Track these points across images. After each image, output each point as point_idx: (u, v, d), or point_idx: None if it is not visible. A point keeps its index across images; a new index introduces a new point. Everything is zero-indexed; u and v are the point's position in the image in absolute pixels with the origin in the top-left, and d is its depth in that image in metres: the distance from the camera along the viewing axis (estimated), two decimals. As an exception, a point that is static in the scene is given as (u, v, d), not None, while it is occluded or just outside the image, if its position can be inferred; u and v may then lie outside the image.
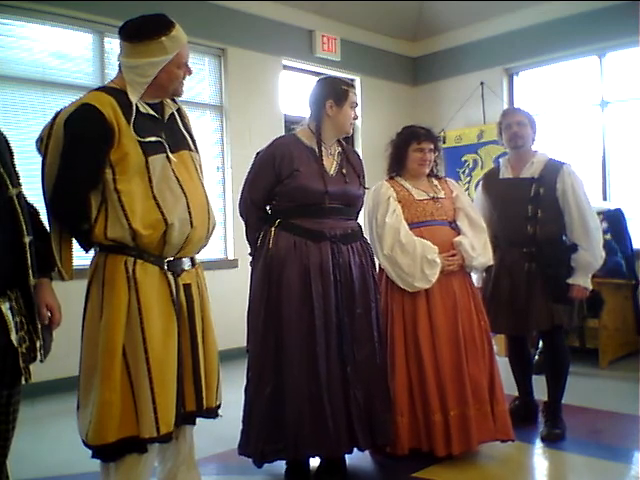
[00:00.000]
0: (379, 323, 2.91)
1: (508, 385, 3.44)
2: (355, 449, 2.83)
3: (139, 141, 2.08)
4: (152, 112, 2.17)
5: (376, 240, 3.10)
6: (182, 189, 2.13)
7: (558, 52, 6.41)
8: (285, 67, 6.42)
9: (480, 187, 3.66)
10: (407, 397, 3.02)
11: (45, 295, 2.03)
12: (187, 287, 2.18)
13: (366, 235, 3.06)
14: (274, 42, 6.11)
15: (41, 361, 1.99)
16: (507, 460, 3.14)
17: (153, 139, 2.12)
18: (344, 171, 2.88)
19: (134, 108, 2.11)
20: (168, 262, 2.15)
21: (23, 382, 1.95)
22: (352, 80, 6.87)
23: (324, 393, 2.69)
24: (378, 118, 7.04)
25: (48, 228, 2.15)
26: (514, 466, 3.10)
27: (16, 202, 1.86)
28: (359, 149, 6.74)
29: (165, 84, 2.17)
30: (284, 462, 2.92)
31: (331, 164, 2.88)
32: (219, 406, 2.38)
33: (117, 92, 2.12)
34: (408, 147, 3.19)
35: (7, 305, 1.84)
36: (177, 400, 2.12)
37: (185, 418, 2.22)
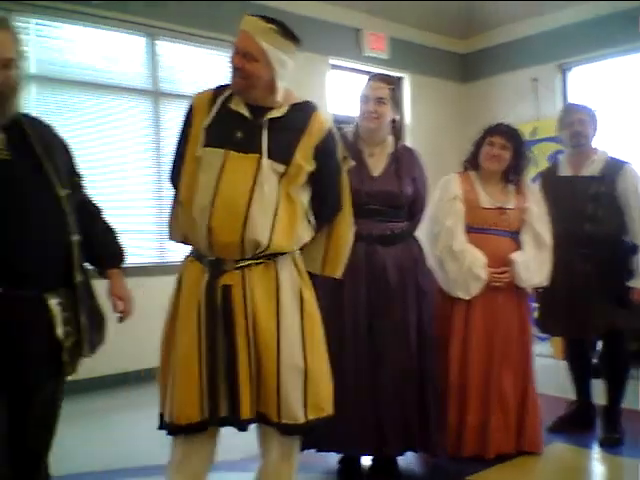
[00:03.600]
0: (423, 327, 2.85)
1: (564, 388, 3.36)
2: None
3: (206, 131, 2.12)
4: (243, 111, 2.14)
5: (432, 237, 3.06)
6: (216, 189, 2.07)
7: (612, 47, 6.22)
8: (333, 66, 6.43)
9: (538, 185, 3.58)
10: (456, 400, 3.01)
11: (116, 286, 2.14)
12: (226, 288, 2.10)
13: (422, 231, 3.02)
14: (321, 42, 6.11)
15: (85, 356, 2.04)
16: (564, 465, 3.07)
17: (219, 133, 2.12)
18: (391, 171, 2.84)
19: (217, 102, 2.15)
20: (209, 261, 2.12)
21: (68, 377, 2.02)
22: (399, 78, 6.85)
23: (349, 395, 2.66)
24: (427, 116, 6.97)
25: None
26: (571, 471, 3.03)
27: (65, 203, 1.94)
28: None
29: None
30: (337, 462, 2.92)
31: (377, 164, 2.84)
32: (291, 426, 2.10)
33: (225, 90, 2.18)
34: (483, 140, 3.12)
35: (56, 300, 1.91)
36: (210, 400, 2.06)
37: (244, 422, 2.11)
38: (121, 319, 2.17)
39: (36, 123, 2.04)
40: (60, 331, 1.91)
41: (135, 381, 4.68)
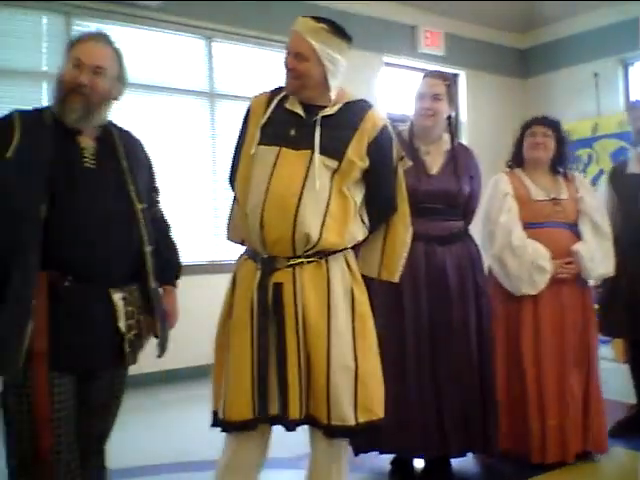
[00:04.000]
0: (482, 328, 2.81)
1: (625, 392, 3.26)
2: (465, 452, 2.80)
3: (262, 130, 2.15)
4: (297, 110, 2.16)
5: (487, 237, 2.99)
6: (268, 186, 2.09)
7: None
8: (387, 64, 6.39)
9: (606, 182, 3.48)
10: (505, 399, 2.92)
11: (169, 302, 2.26)
12: (278, 286, 2.10)
13: (477, 231, 2.98)
14: (375, 39, 6.08)
15: (158, 356, 2.16)
16: (624, 469, 2.99)
17: (273, 132, 2.14)
18: (449, 170, 2.80)
19: (273, 103, 2.19)
20: (262, 259, 2.13)
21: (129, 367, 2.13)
22: (455, 75, 6.77)
23: (411, 396, 2.64)
24: (484, 113, 6.86)
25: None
26: (631, 476, 2.92)
27: (140, 215, 2.07)
28: (464, 146, 6.59)
29: None
30: (389, 462, 2.91)
31: (434, 162, 2.81)
32: (340, 428, 2.07)
33: (281, 91, 2.21)
34: (523, 136, 3.08)
35: (120, 295, 2.03)
36: (261, 399, 2.07)
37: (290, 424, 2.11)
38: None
39: (127, 137, 2.18)
40: (122, 323, 2.02)
41: (186, 378, 4.76)
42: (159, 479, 2.98)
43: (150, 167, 2.26)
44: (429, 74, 2.89)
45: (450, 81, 2.86)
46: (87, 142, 2.04)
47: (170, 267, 2.29)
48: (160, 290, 2.21)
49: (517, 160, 3.13)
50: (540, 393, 2.88)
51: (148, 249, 2.08)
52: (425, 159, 2.80)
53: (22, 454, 1.95)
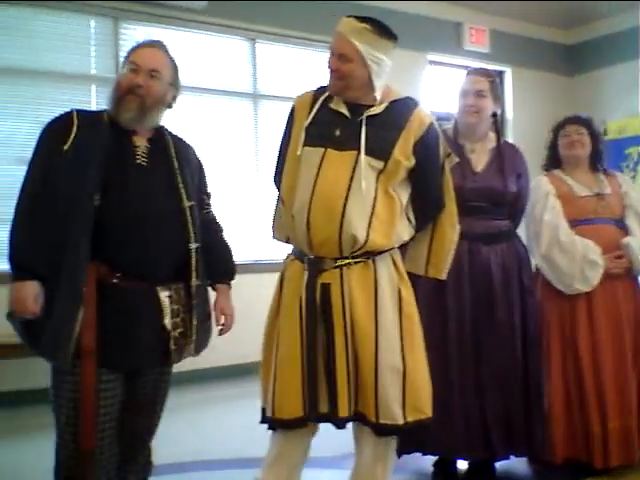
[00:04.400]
0: (527, 328, 2.76)
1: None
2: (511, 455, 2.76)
3: (307, 131, 2.15)
4: (342, 110, 2.15)
5: (533, 238, 2.93)
6: (314, 187, 2.08)
7: None
8: (431, 62, 6.34)
9: None
10: (563, 405, 2.85)
11: (222, 301, 2.30)
12: (325, 287, 2.10)
13: (523, 233, 2.92)
14: (419, 38, 6.03)
15: (192, 355, 2.18)
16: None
17: (318, 132, 2.14)
18: (494, 168, 2.75)
19: (318, 103, 2.19)
20: (309, 260, 2.13)
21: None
22: (500, 72, 6.67)
23: (454, 397, 2.61)
24: (531, 111, 6.74)
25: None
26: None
27: (188, 213, 2.12)
28: (509, 144, 6.49)
29: None
30: (431, 464, 2.89)
31: (479, 160, 2.77)
32: (389, 426, 2.08)
33: (325, 90, 2.21)
34: (557, 137, 3.03)
35: (166, 293, 2.08)
36: (310, 397, 2.08)
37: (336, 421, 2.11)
38: (221, 332, 2.30)
39: (179, 141, 2.26)
40: (167, 321, 2.06)
41: (229, 376, 4.80)
42: (202, 475, 3.02)
43: (201, 172, 2.32)
44: (472, 71, 2.86)
45: (494, 78, 2.82)
46: (141, 141, 2.11)
47: (223, 266, 2.33)
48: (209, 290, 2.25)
49: (553, 162, 3.08)
50: (600, 394, 2.80)
51: (194, 246, 2.11)
52: (470, 157, 2.77)
53: (65, 449, 2.01)
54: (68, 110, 2.10)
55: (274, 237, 2.38)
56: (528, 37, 6.90)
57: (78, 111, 2.10)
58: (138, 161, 2.08)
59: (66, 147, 1.99)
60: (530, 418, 2.72)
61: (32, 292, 1.92)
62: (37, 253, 1.94)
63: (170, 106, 2.19)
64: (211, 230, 2.30)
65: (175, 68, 2.19)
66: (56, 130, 2.05)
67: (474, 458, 2.78)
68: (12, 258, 1.96)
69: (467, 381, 2.66)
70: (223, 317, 2.28)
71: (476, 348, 2.68)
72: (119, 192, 2.01)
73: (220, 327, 2.29)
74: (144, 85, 2.05)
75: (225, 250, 2.36)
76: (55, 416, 2.04)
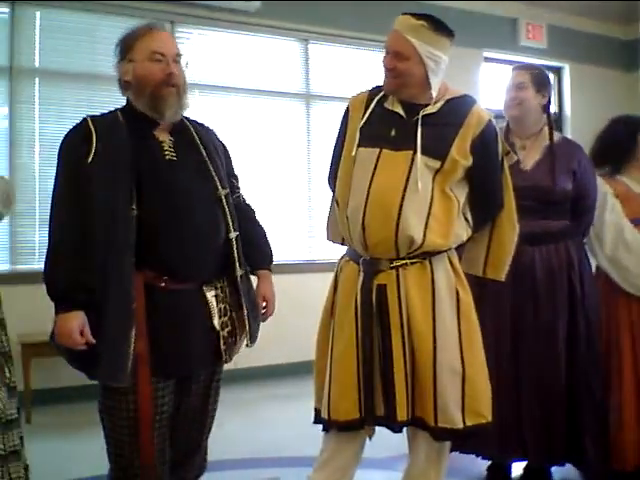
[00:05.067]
0: (578, 334, 2.66)
1: None
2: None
3: (361, 131, 2.13)
4: (397, 110, 2.14)
5: (594, 240, 2.83)
6: (369, 188, 2.06)
7: None
8: (486, 59, 6.25)
9: None
10: (636, 410, 2.74)
11: (263, 286, 2.24)
12: (381, 288, 2.08)
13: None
14: (474, 34, 5.93)
15: (247, 346, 2.16)
16: None
17: (373, 132, 2.12)
18: (545, 165, 2.68)
19: (372, 103, 2.17)
20: (364, 261, 2.11)
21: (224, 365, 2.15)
22: (559, 68, 6.52)
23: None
24: (589, 108, 6.54)
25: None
26: None
27: (224, 202, 2.06)
28: (567, 141, 6.34)
29: None
30: (485, 468, 2.86)
31: (528, 157, 2.71)
32: (448, 430, 2.04)
33: (380, 90, 2.20)
34: (636, 137, 2.88)
35: (213, 293, 2.04)
36: (367, 399, 2.07)
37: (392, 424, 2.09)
38: (263, 319, 2.25)
39: (201, 127, 2.18)
40: (216, 321, 2.04)
41: (278, 375, 4.82)
42: (253, 473, 3.03)
43: (226, 154, 2.24)
44: (516, 67, 2.86)
45: (539, 70, 2.80)
46: (164, 136, 2.04)
47: (261, 252, 2.27)
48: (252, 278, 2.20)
49: (617, 164, 2.93)
50: None
51: (233, 235, 2.07)
52: (520, 154, 2.71)
53: (124, 462, 1.95)
54: (80, 120, 1.99)
55: (328, 239, 2.38)
56: (586, 32, 6.72)
57: (92, 118, 2.00)
58: (167, 157, 2.00)
59: (89, 160, 1.90)
60: (579, 427, 2.64)
61: (77, 324, 1.83)
62: (75, 281, 1.84)
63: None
64: (244, 215, 2.24)
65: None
66: (74, 144, 1.95)
67: (508, 460, 2.74)
68: (50, 291, 1.88)
69: (503, 382, 2.57)
70: (264, 303, 2.23)
71: (515, 351, 2.62)
72: (154, 195, 1.93)
73: (262, 313, 2.24)
74: (177, 73, 1.97)
75: (260, 234, 2.29)
76: (109, 435, 1.97)
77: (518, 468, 2.83)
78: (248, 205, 2.32)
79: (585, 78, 6.70)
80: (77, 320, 1.84)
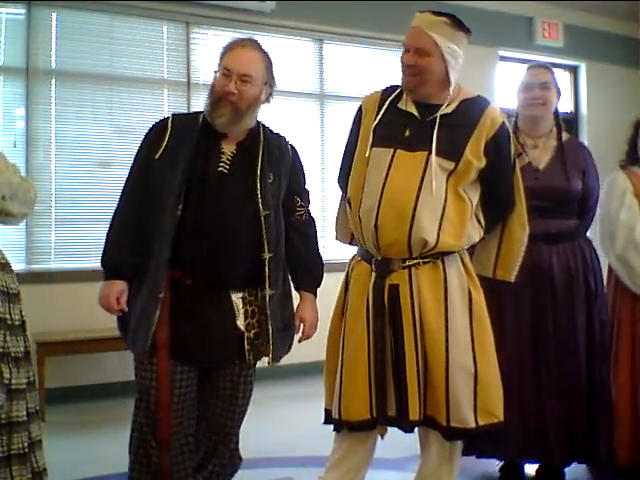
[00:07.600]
0: (593, 332, 2.66)
1: None
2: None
3: (374, 132, 2.14)
4: (411, 110, 2.14)
5: (607, 237, 2.82)
6: (382, 188, 2.06)
7: None
8: (502, 58, 6.21)
9: None
10: (629, 408, 2.74)
11: (303, 308, 2.29)
12: (393, 288, 2.08)
13: (595, 231, 2.83)
14: (489, 33, 5.90)
15: (268, 363, 2.20)
16: None
17: (387, 133, 2.12)
18: (557, 165, 2.67)
19: (386, 103, 2.17)
20: (376, 261, 2.12)
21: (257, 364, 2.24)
22: (575, 67, 6.47)
23: (512, 398, 2.49)
24: (605, 106, 6.51)
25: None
26: None
27: (263, 222, 2.10)
28: (584, 140, 6.27)
29: None
30: (497, 469, 2.84)
31: (541, 157, 2.70)
32: (460, 430, 2.04)
33: (393, 90, 2.21)
34: (638, 132, 2.89)
35: (239, 295, 2.11)
36: (378, 399, 2.07)
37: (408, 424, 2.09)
38: (299, 340, 2.29)
39: (274, 142, 2.24)
40: (240, 322, 2.10)
41: (291, 375, 4.78)
42: (265, 473, 3.03)
43: (295, 171, 2.30)
44: (534, 65, 2.84)
45: (554, 72, 2.79)
46: (229, 147, 2.14)
47: (309, 275, 2.31)
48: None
49: (632, 158, 2.94)
50: None
51: (267, 256, 2.10)
52: (532, 154, 2.70)
53: (141, 437, 2.10)
54: (166, 117, 2.18)
55: (337, 238, 2.38)
56: (602, 31, 6.65)
57: (175, 116, 2.17)
58: (220, 168, 2.10)
59: (157, 155, 2.08)
60: (595, 425, 2.63)
61: (116, 291, 2.07)
62: (125, 257, 2.09)
63: (268, 101, 2.21)
64: (303, 235, 2.29)
65: (269, 65, 2.20)
66: (151, 138, 2.15)
67: (530, 462, 2.72)
68: (103, 259, 2.13)
69: (525, 384, 2.59)
70: (302, 325, 2.27)
71: (536, 351, 2.60)
72: (197, 202, 2.05)
73: (299, 335, 2.29)
74: (236, 91, 2.06)
75: (312, 258, 2.33)
76: (135, 406, 2.14)
77: (530, 467, 2.82)
78: (309, 227, 2.34)
79: (601, 77, 6.64)
80: (116, 287, 2.08)
